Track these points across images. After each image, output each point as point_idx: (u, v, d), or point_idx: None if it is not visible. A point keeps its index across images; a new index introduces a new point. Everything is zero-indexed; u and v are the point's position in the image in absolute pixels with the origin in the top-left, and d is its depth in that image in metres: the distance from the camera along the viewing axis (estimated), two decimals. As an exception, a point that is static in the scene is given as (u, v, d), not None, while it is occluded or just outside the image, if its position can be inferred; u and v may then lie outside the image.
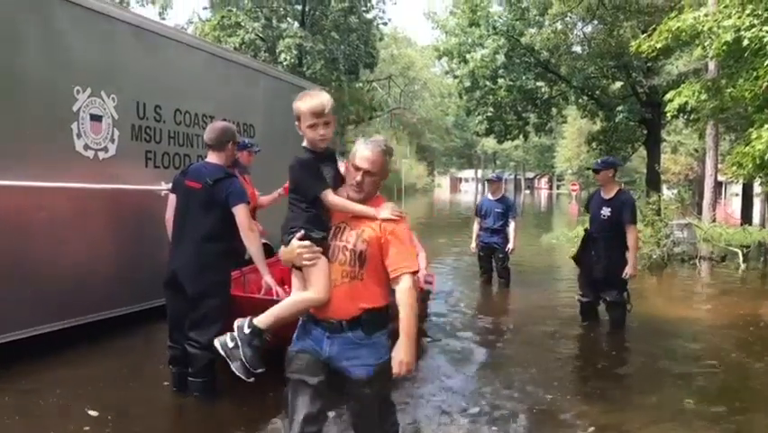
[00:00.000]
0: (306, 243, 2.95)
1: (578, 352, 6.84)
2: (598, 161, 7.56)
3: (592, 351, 6.81)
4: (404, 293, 2.88)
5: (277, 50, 28.68)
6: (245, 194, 4.67)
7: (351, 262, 2.95)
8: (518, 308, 8.65)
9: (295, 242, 2.97)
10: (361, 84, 35.86)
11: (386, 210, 2.98)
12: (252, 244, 4.61)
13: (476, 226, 9.99)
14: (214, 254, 4.57)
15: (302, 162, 3.05)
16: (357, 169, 2.99)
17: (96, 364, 5.66)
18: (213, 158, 4.75)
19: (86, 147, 6.15)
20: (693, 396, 5.21)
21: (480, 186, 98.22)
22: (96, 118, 6.24)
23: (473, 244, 10.03)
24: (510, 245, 9.71)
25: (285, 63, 27.81)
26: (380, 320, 3.01)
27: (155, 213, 6.54)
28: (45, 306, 5.69)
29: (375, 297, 2.98)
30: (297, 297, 3.05)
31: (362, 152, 3.01)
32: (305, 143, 3.08)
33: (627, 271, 6.96)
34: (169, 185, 5.09)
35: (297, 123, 3.07)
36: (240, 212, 4.54)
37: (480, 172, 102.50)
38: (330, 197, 2.99)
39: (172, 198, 4.84)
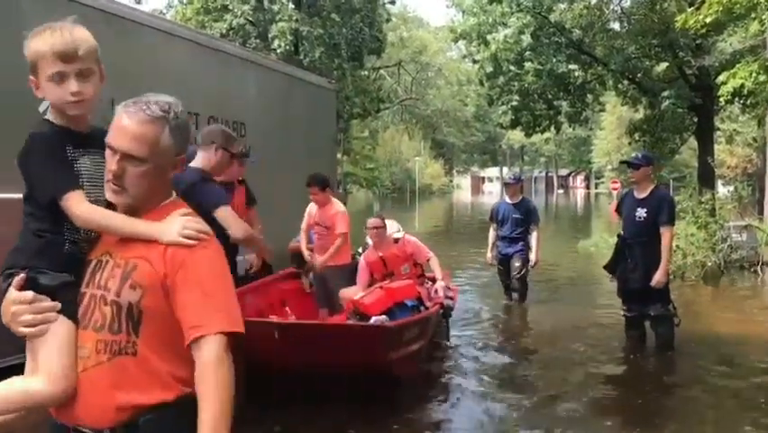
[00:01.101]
0: (29, 294, 1.96)
1: (622, 374, 6.84)
2: (638, 155, 7.55)
3: (638, 376, 6.80)
4: (208, 370, 1.86)
5: (269, 36, 28.88)
6: (221, 195, 4.42)
7: (112, 324, 1.94)
8: (551, 327, 8.66)
9: (11, 293, 1.98)
10: (366, 72, 36.04)
11: (173, 226, 1.97)
12: (239, 228, 4.27)
13: (492, 234, 9.92)
14: None
15: (36, 142, 2.08)
16: (112, 150, 1.99)
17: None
18: (197, 160, 4.77)
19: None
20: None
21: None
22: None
23: (489, 255, 9.97)
24: (533, 257, 9.60)
25: (279, 51, 27.99)
26: (176, 426, 1.93)
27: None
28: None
29: (159, 385, 1.94)
30: (16, 385, 2.02)
31: (119, 120, 2.02)
32: (46, 111, 2.17)
33: (656, 277, 6.97)
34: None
35: (30, 77, 2.13)
36: (221, 214, 4.20)
37: (504, 170, 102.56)
38: (76, 205, 1.99)
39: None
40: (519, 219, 9.64)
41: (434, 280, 7.56)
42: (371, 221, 7.22)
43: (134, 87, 7.28)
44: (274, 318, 6.11)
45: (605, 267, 7.71)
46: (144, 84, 7.19)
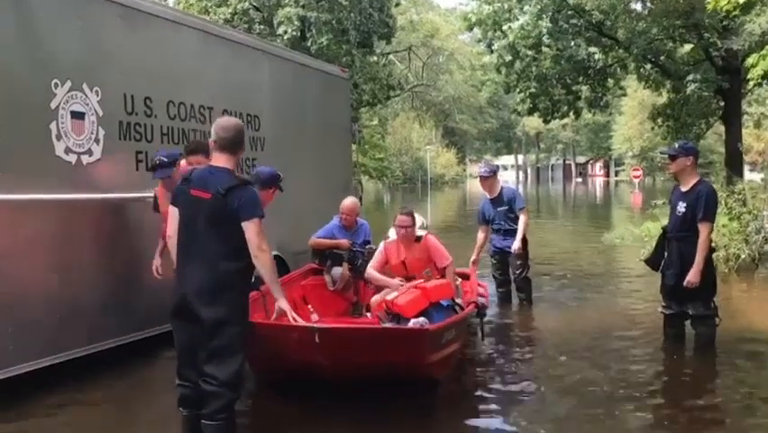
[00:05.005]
0: None
1: (659, 376, 6.83)
2: (675, 145, 7.52)
3: (675, 378, 6.77)
4: None
5: (275, 22, 28.84)
6: (259, 206, 4.72)
7: None
8: (578, 326, 8.61)
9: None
10: (375, 58, 35.96)
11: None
12: (264, 265, 4.70)
13: (480, 236, 9.44)
14: (232, 274, 4.63)
15: None
16: None
17: (90, 410, 5.77)
18: (221, 161, 4.80)
19: (68, 150, 6.26)
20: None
21: (521, 174, 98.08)
22: (77, 116, 6.35)
23: (474, 257, 9.15)
24: (515, 245, 9.18)
25: (285, 37, 27.97)
26: None
27: (150, 225, 6.70)
28: (22, 341, 5.77)
29: None
30: None
31: None
32: None
33: (688, 277, 6.92)
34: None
35: None
36: (251, 228, 4.60)
37: (521, 158, 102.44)
38: None
39: (173, 211, 4.90)
40: (505, 211, 9.38)
41: (464, 277, 7.53)
42: (401, 218, 7.12)
43: (147, 81, 7.43)
44: (314, 320, 6.13)
45: (646, 261, 7.68)
46: (156, 78, 7.26)
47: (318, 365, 5.27)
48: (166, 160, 6.44)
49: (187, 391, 4.78)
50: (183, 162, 6.41)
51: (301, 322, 5.20)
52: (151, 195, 6.74)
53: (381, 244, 7.37)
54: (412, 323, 5.99)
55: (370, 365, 5.33)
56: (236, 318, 4.64)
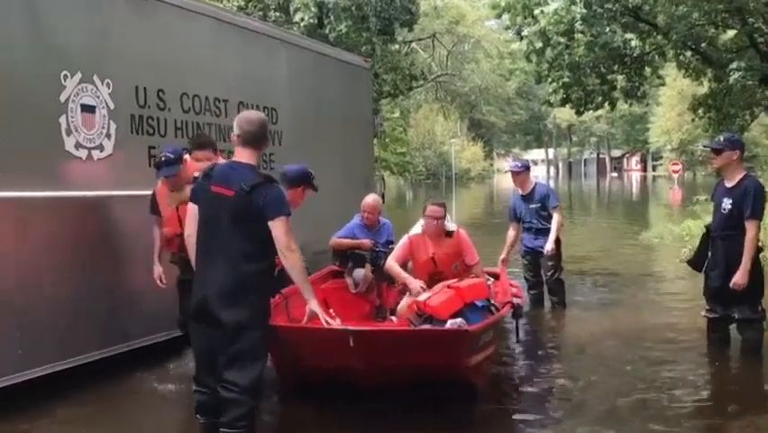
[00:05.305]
0: None
1: (701, 384, 6.79)
2: (720, 138, 7.47)
3: (719, 387, 6.74)
4: None
5: (291, 8, 28.89)
6: (286, 204, 4.78)
7: None
8: (614, 330, 8.57)
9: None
10: (397, 46, 35.93)
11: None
12: (294, 265, 4.76)
13: (511, 234, 9.44)
14: (255, 275, 4.67)
15: None
16: None
17: (101, 420, 5.83)
18: (244, 156, 4.84)
19: (78, 146, 6.32)
20: None
21: (552, 169, 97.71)
22: (88, 109, 6.42)
23: (503, 256, 9.15)
24: (548, 246, 9.14)
25: (302, 24, 28.01)
26: None
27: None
28: (31, 346, 5.83)
29: None
30: None
31: None
32: None
33: (735, 278, 6.88)
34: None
35: None
36: (278, 226, 4.65)
37: (551, 152, 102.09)
38: None
39: (192, 209, 4.94)
40: (537, 209, 9.33)
41: (495, 276, 7.52)
42: (432, 209, 7.06)
43: (160, 72, 7.47)
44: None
45: (688, 262, 7.65)
46: (169, 69, 7.32)
47: (351, 370, 5.29)
48: (172, 156, 6.32)
49: (204, 397, 4.81)
50: (189, 158, 6.44)
51: (334, 325, 5.22)
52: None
53: (405, 237, 7.31)
54: (449, 324, 5.97)
55: (405, 369, 5.36)
56: (258, 322, 4.68)
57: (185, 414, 5.48)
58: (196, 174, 6.30)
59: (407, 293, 7.00)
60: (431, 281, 6.93)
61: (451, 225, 7.32)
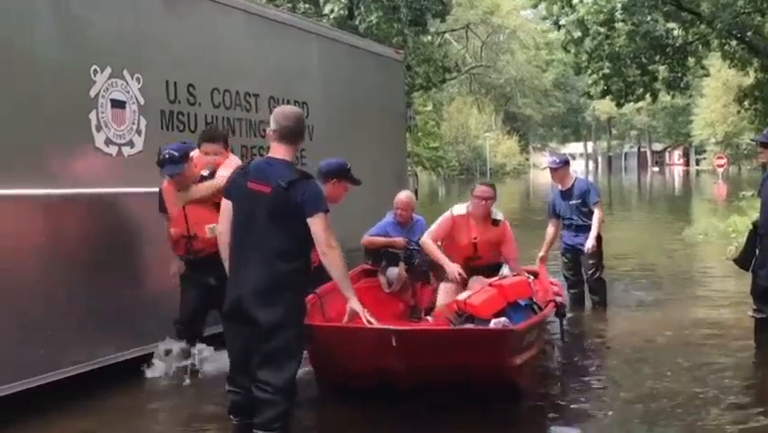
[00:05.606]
0: None
1: (750, 387, 6.76)
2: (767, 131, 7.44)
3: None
4: None
5: (320, 0, 29.00)
6: (324, 200, 4.82)
7: None
8: (657, 332, 8.51)
9: None
10: (429, 38, 35.91)
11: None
12: (334, 263, 4.79)
13: (550, 231, 9.41)
14: (291, 273, 4.71)
15: None
16: None
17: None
18: (280, 152, 4.88)
19: (109, 142, 6.41)
20: None
21: (591, 164, 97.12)
22: (118, 105, 6.50)
23: (542, 254, 9.14)
24: (588, 243, 9.07)
25: (332, 16, 28.11)
26: None
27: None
28: (54, 349, 5.87)
29: None
30: None
31: None
32: None
33: None
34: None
35: None
36: (317, 223, 4.70)
37: (590, 146, 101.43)
38: None
39: (225, 205, 4.99)
40: (577, 205, 9.27)
41: (534, 274, 7.53)
42: (481, 189, 7.07)
43: (190, 67, 7.53)
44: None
45: (735, 260, 7.61)
46: (200, 63, 7.39)
47: (392, 370, 5.33)
48: (177, 154, 6.26)
49: (238, 397, 4.87)
50: (197, 154, 6.47)
51: (376, 324, 5.23)
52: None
53: (448, 213, 7.27)
54: (493, 323, 5.97)
55: (447, 369, 5.36)
56: (294, 320, 4.73)
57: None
58: (204, 173, 6.40)
59: (440, 290, 7.01)
60: (465, 267, 6.96)
61: (498, 213, 7.32)
